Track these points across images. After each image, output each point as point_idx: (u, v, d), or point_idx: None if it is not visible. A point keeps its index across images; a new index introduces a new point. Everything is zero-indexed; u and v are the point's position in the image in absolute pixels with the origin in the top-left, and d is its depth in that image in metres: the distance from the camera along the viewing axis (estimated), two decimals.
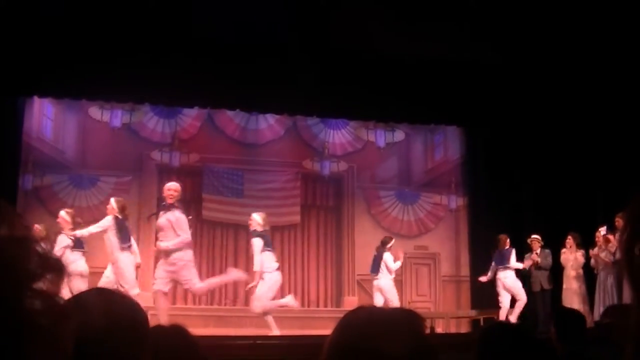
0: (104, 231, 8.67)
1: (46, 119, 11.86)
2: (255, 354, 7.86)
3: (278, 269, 9.21)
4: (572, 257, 10.20)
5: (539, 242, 10.57)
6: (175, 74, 10.12)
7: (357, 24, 9.63)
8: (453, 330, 11.39)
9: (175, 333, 1.69)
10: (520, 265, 10.51)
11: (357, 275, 12.54)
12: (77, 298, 1.28)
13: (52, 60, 9.80)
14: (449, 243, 12.97)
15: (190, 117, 12.33)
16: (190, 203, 12.28)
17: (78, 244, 8.99)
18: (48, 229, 9.18)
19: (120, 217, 8.75)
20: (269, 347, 8.09)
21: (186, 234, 8.44)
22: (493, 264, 10.54)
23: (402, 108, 11.29)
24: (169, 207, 8.49)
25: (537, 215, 11.38)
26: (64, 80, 10.14)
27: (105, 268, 9.66)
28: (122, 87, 10.23)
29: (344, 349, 1.19)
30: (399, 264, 10.85)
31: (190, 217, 8.93)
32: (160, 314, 8.23)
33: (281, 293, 12.23)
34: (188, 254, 8.52)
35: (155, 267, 9.19)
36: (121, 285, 8.27)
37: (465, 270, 12.56)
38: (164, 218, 8.46)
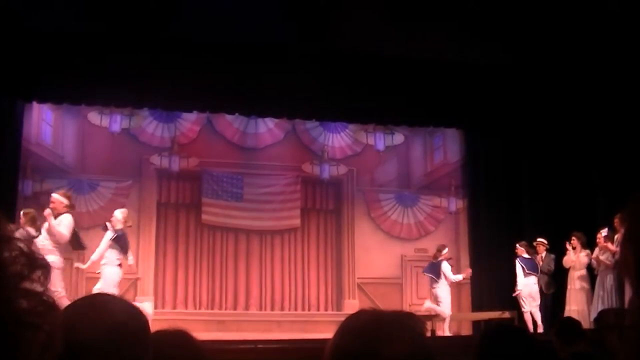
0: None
1: (45, 124, 11.86)
2: (256, 358, 7.86)
3: (119, 265, 8.87)
4: (575, 257, 10.18)
5: (544, 246, 10.56)
6: (174, 78, 10.13)
7: (356, 26, 9.64)
8: (454, 332, 11.39)
9: (179, 338, 1.68)
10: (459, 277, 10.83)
11: (358, 278, 12.54)
12: (79, 303, 1.28)
13: (51, 65, 9.81)
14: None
15: (190, 122, 12.34)
16: (190, 207, 12.31)
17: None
18: (35, 214, 8.90)
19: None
20: (270, 351, 8.09)
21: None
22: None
23: (401, 111, 11.30)
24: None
25: (536, 218, 11.39)
26: (63, 85, 10.15)
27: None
28: (121, 91, 10.23)
29: (346, 353, 1.19)
30: (459, 277, 10.92)
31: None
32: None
33: (281, 297, 12.28)
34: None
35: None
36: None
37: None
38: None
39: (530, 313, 10.41)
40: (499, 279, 11.14)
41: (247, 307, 12.10)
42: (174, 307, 11.83)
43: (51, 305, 0.74)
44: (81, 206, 11.67)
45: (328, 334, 1.31)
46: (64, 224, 8.35)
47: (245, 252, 12.30)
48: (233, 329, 11.34)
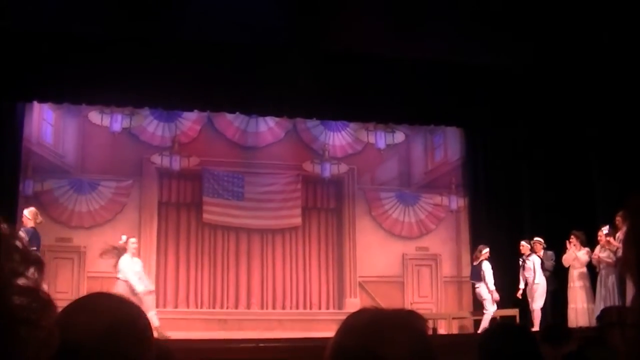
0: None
1: (46, 124, 11.87)
2: (258, 356, 7.87)
3: None
4: (574, 255, 10.18)
5: (541, 245, 10.57)
6: (175, 78, 10.13)
7: (356, 25, 9.64)
8: (455, 331, 11.40)
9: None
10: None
11: (359, 276, 12.54)
12: (80, 302, 1.28)
13: (51, 65, 9.81)
14: (450, 244, 12.97)
15: (190, 121, 12.34)
16: (190, 206, 12.31)
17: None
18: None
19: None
20: (271, 349, 8.10)
21: None
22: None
23: (401, 109, 11.30)
24: None
25: (537, 215, 11.40)
26: (64, 85, 10.16)
27: (104, 272, 9.84)
28: (121, 91, 10.24)
29: (347, 352, 1.19)
30: (492, 287, 10.67)
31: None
32: None
33: (283, 296, 12.29)
34: None
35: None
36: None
37: (466, 271, 12.55)
38: None
39: (532, 310, 10.40)
40: (500, 276, 11.13)
41: (248, 306, 12.10)
42: (176, 306, 11.84)
43: (47, 301, 0.74)
44: (82, 206, 11.69)
45: (329, 332, 1.31)
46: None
47: (247, 251, 12.30)
48: (234, 327, 11.35)
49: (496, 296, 10.60)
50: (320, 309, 12.46)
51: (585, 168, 11.16)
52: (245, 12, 9.48)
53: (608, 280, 9.58)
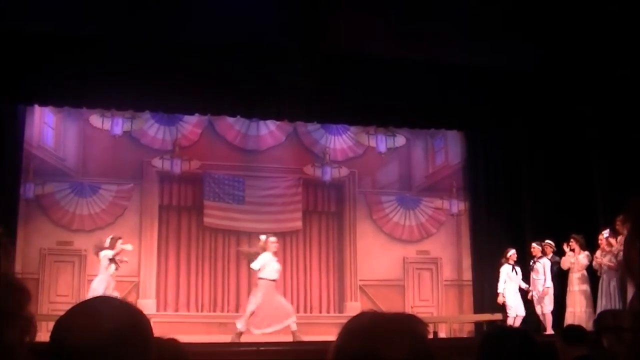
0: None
1: (47, 127, 11.88)
2: None
3: None
4: (574, 259, 10.17)
5: (551, 248, 10.54)
6: (176, 81, 10.13)
7: (357, 28, 9.64)
8: (456, 334, 11.39)
9: (169, 346, 1.68)
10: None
11: (360, 280, 12.53)
12: (83, 305, 1.28)
13: (52, 68, 9.82)
14: (450, 247, 12.96)
15: (191, 124, 12.35)
16: (191, 210, 12.31)
17: None
18: None
19: None
20: (272, 353, 8.09)
21: None
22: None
23: (402, 113, 11.29)
24: None
25: (538, 219, 11.39)
26: (65, 88, 10.15)
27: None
28: (122, 94, 10.23)
29: (348, 355, 1.19)
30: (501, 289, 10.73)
31: None
32: None
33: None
34: None
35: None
36: None
37: (467, 275, 12.57)
38: None
39: (543, 314, 10.37)
40: None
41: None
42: (176, 310, 11.83)
43: (27, 293, 0.75)
44: (83, 209, 11.69)
45: (330, 336, 1.32)
46: None
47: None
48: (235, 331, 11.34)
49: (500, 299, 10.60)
50: (320, 312, 12.46)
51: (586, 172, 11.16)
52: (244, 15, 9.48)
53: (610, 285, 9.55)
